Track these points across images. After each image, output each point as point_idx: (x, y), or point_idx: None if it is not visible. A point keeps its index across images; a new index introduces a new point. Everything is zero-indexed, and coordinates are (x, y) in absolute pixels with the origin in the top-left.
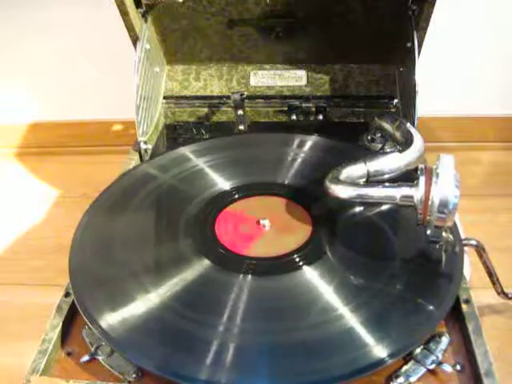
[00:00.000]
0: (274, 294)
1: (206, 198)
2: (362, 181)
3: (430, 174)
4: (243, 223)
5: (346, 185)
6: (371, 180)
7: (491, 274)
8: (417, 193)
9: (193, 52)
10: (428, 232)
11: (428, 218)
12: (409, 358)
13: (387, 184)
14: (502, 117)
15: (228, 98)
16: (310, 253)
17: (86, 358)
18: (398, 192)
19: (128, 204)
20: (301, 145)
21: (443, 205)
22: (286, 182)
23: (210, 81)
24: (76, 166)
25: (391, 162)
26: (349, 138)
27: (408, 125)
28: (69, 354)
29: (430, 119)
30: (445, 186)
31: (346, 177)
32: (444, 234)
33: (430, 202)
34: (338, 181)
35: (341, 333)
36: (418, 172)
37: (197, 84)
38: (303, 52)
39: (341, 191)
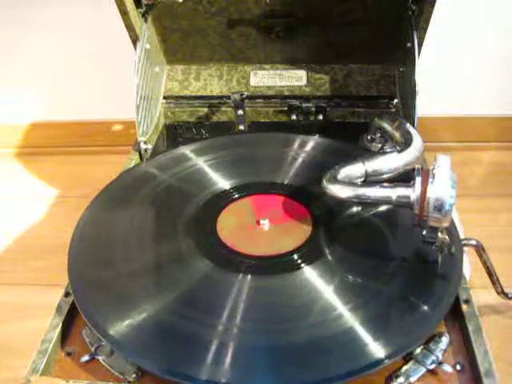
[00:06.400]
0: (273, 293)
1: (206, 198)
2: (359, 181)
3: (426, 174)
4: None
5: (344, 184)
6: (369, 180)
7: (491, 274)
8: (413, 193)
9: (193, 52)
10: (424, 233)
11: (424, 218)
12: (409, 357)
13: (384, 184)
14: (501, 117)
15: (228, 98)
16: (310, 252)
17: (86, 357)
18: (395, 192)
19: (127, 203)
20: (301, 144)
21: (439, 205)
22: (286, 182)
23: (210, 81)
24: (75, 165)
25: (389, 161)
26: (349, 138)
27: (407, 125)
28: (69, 354)
29: (430, 119)
30: (441, 187)
31: (343, 176)
32: (440, 234)
33: (425, 203)
34: (335, 180)
35: (340, 333)
36: (415, 172)
37: (197, 84)
38: (303, 52)
39: (338, 191)
